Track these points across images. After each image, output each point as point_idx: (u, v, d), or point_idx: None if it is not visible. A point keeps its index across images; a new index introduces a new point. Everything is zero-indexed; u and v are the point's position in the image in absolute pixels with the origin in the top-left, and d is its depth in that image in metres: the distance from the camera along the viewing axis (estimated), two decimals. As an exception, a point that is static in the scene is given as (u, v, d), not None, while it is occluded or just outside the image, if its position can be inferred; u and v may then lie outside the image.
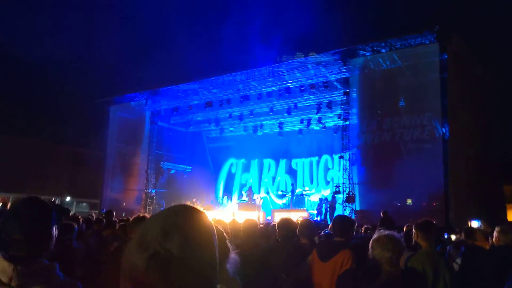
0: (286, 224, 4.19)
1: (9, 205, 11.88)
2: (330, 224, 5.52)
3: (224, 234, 2.13)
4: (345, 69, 16.05)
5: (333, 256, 3.48)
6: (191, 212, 1.02)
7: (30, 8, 26.55)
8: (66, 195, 28.58)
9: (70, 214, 7.27)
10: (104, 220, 6.80)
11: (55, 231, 1.90)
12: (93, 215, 12.64)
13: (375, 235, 2.83)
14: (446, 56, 13.74)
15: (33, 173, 27.78)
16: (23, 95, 27.87)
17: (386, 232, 2.87)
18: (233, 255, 2.07)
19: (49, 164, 29.52)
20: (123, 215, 17.52)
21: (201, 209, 1.06)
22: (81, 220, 6.97)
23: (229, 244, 2.10)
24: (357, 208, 14.74)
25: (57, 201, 17.95)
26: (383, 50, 15.43)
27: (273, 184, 21.93)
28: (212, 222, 1.05)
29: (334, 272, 3.40)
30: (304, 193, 19.54)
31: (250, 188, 20.97)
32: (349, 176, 15.31)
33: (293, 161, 21.55)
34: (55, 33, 26.35)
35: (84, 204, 30.95)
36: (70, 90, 27.19)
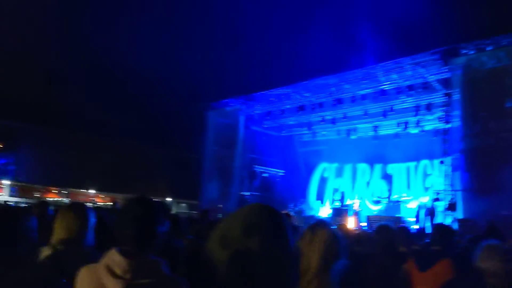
0: (384, 230, 4.07)
1: (117, 204, 12.89)
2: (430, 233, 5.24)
3: (338, 239, 2.11)
4: (446, 69, 15.15)
5: (432, 266, 3.31)
6: (271, 212, 1.04)
7: (131, 19, 28.61)
8: (168, 196, 30.29)
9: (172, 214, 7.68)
10: (204, 219, 7.10)
11: (161, 229, 2.04)
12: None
13: (482, 245, 2.65)
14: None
15: (138, 175, 29.88)
16: (133, 103, 30.10)
17: (494, 242, 2.67)
18: (343, 261, 2.06)
19: (152, 166, 31.58)
20: (220, 216, 18.17)
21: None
22: (181, 220, 7.33)
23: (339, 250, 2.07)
24: (460, 217, 13.81)
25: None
26: (488, 48, 14.31)
27: (367, 189, 21.33)
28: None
29: (434, 283, 3.23)
30: (400, 199, 18.76)
31: (342, 194, 20.61)
32: (450, 182, 14.42)
33: (389, 166, 20.77)
34: (155, 42, 28.09)
35: (184, 205, 32.60)
36: (173, 96, 28.82)
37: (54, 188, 33.58)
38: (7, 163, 32.07)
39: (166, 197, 30.71)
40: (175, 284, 1.89)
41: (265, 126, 22.98)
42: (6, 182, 31.75)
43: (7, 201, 20.95)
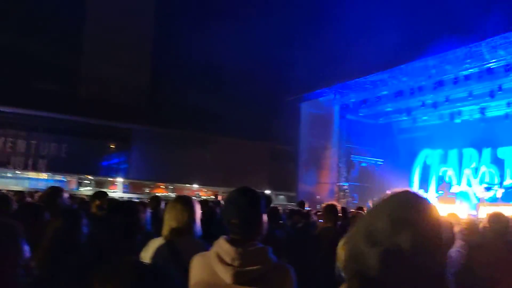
0: (497, 218, 3.82)
1: (219, 197, 13.46)
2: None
3: (454, 230, 2.05)
4: None
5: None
6: (421, 204, 0.96)
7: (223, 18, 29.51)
8: (266, 188, 30.94)
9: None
10: (302, 210, 7.20)
11: (265, 218, 2.13)
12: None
13: None
14: None
15: (238, 169, 30.87)
16: (231, 99, 31.17)
17: None
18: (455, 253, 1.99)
19: (250, 160, 32.43)
20: (317, 207, 18.15)
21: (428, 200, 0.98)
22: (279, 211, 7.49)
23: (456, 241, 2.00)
24: None
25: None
26: None
27: (475, 176, 19.88)
28: (445, 216, 1.00)
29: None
30: (514, 185, 17.25)
31: (444, 181, 19.43)
32: None
33: (499, 150, 19.14)
34: (248, 39, 28.71)
35: (282, 197, 33.03)
36: (268, 90, 29.35)
37: (162, 183, 35.92)
38: (119, 162, 34.98)
39: (265, 190, 31.38)
40: (282, 271, 1.97)
41: (361, 114, 22.42)
42: (119, 179, 34.65)
43: (121, 197, 22.87)
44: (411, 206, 0.95)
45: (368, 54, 19.62)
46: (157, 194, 28.38)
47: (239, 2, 31.13)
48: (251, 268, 1.87)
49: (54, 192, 4.13)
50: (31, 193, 6.33)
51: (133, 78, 33.59)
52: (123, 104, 32.47)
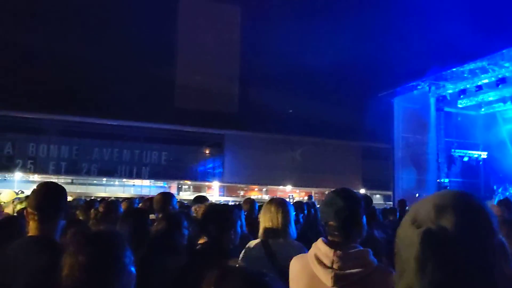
0: None
1: (313, 198, 13.39)
2: None
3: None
4: None
5: None
6: (463, 193, 1.02)
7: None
8: (361, 188, 30.19)
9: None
10: (400, 209, 6.93)
11: (364, 220, 2.08)
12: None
13: None
14: None
15: (330, 169, 30.56)
16: (320, 99, 31.07)
17: None
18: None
19: (342, 159, 31.91)
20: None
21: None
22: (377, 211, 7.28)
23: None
24: None
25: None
26: None
27: None
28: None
29: None
30: None
31: None
32: None
33: None
34: (337, 38, 28.32)
35: (378, 196, 32.04)
36: (358, 87, 28.78)
37: (255, 186, 36.65)
38: (214, 167, 36.32)
39: (359, 189, 30.65)
40: (384, 274, 1.88)
41: (460, 106, 21.01)
42: (215, 183, 35.96)
43: (217, 201, 23.72)
44: (455, 194, 1.00)
45: (463, 42, 18.41)
46: (251, 196, 29.04)
47: (324, 1, 30.88)
48: (351, 271, 1.84)
49: (165, 198, 4.39)
50: (143, 199, 6.79)
51: (224, 86, 34.82)
52: (215, 111, 33.72)
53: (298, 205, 5.69)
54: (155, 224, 3.40)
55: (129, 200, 7.48)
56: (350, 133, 31.20)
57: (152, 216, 3.94)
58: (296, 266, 2.05)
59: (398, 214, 6.77)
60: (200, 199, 5.32)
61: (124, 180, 35.51)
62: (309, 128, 31.60)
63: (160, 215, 3.75)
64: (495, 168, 20.82)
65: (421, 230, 0.92)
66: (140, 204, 6.14)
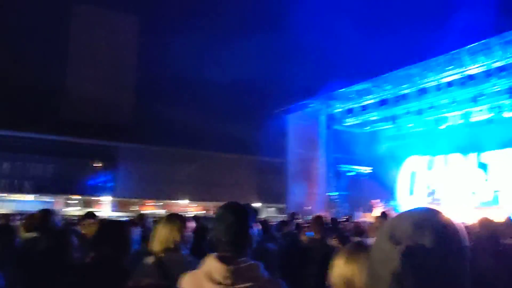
0: (486, 223, 3.85)
1: (210, 212, 13.35)
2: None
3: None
4: (541, 44, 13.91)
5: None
6: (437, 211, 1.05)
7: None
8: (256, 201, 30.83)
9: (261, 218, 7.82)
10: (292, 222, 7.16)
11: (253, 232, 2.09)
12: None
13: None
14: None
15: (227, 183, 30.78)
16: (217, 114, 31.22)
17: None
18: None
19: (238, 173, 32.38)
20: (307, 218, 18.11)
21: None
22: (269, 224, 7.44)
23: None
24: None
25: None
26: None
27: (462, 180, 20.06)
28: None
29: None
30: (499, 189, 17.43)
31: (430, 187, 19.60)
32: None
33: (484, 154, 19.39)
34: (233, 53, 28.84)
35: (272, 209, 32.94)
36: (254, 103, 29.44)
37: (150, 200, 35.62)
38: (106, 181, 34.63)
39: (255, 202, 31.25)
40: (274, 286, 1.93)
41: (347, 124, 22.56)
42: (107, 198, 34.28)
43: (109, 216, 22.58)
44: (430, 212, 1.03)
45: (352, 65, 19.87)
46: (143, 212, 28.13)
47: (221, 18, 31.35)
48: (242, 285, 1.83)
49: (45, 214, 4.10)
50: (23, 215, 6.22)
51: (118, 96, 33.48)
52: (108, 123, 32.27)
53: (195, 220, 5.62)
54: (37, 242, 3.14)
55: (5, 216, 6.81)
56: (246, 147, 31.79)
57: (32, 234, 3.65)
58: (187, 283, 1.99)
59: (293, 226, 6.99)
60: (89, 215, 5.03)
61: (5, 194, 32.31)
62: (206, 142, 31.63)
63: (40, 233, 3.46)
64: (377, 182, 22.61)
65: (402, 247, 0.94)
66: (21, 221, 5.62)
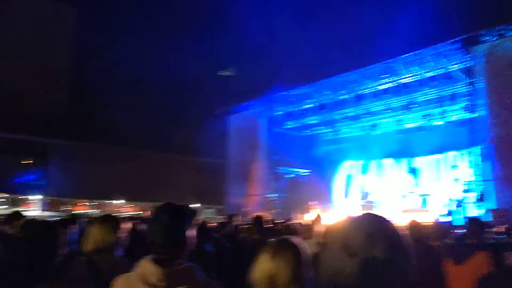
0: (416, 226, 4.02)
1: (147, 212, 13.05)
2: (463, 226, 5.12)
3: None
4: (468, 57, 14.86)
5: (468, 259, 3.23)
6: (384, 219, 1.09)
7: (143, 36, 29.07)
8: (195, 202, 30.53)
9: (200, 220, 7.73)
10: (230, 223, 7.14)
11: (190, 234, 2.04)
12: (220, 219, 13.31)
13: None
14: None
15: (165, 183, 30.25)
16: (156, 112, 30.55)
17: None
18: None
19: (178, 174, 31.93)
20: (245, 219, 18.19)
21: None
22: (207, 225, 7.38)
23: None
24: (493, 207, 13.49)
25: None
26: (510, 34, 13.99)
27: (394, 185, 21.01)
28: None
29: (471, 276, 3.14)
30: (428, 193, 18.44)
31: (364, 190, 20.39)
32: (480, 173, 14.09)
33: (415, 160, 20.44)
34: (175, 50, 28.42)
35: (210, 210, 32.76)
36: (194, 103, 29.10)
37: (84, 200, 34.22)
38: (36, 179, 32.86)
39: (194, 203, 30.93)
40: None
41: (287, 127, 22.95)
42: (37, 197, 32.53)
43: (40, 216, 21.45)
44: (381, 222, 1.07)
45: (293, 68, 20.19)
46: (75, 211, 26.99)
47: (163, 15, 30.78)
48: (178, 288, 1.78)
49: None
50: None
51: (50, 90, 31.88)
52: (39, 118, 30.62)
53: (129, 220, 5.43)
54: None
55: None
56: (186, 148, 31.40)
57: None
58: (120, 285, 1.90)
59: (232, 228, 6.96)
60: (15, 215, 4.72)
61: None
62: (144, 141, 30.88)
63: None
64: (315, 185, 23.17)
65: (358, 259, 0.98)
66: None
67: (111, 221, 2.95)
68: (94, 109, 30.16)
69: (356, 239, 1.00)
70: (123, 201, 33.44)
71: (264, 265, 1.79)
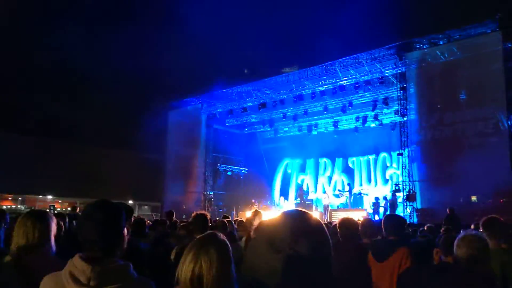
0: (347, 223, 4.14)
1: (78, 209, 12.55)
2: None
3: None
4: (401, 63, 15.62)
5: (389, 256, 3.38)
6: (309, 216, 1.10)
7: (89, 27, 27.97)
8: (129, 198, 29.75)
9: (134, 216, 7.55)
10: (167, 221, 7.03)
11: (126, 232, 1.99)
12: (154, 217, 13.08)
13: (461, 234, 2.72)
14: (510, 45, 13.01)
15: (98, 178, 29.18)
16: (91, 105, 29.36)
17: (473, 231, 2.75)
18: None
19: (113, 169, 30.90)
20: (183, 216, 18.00)
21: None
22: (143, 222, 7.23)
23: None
24: (419, 207, 14.29)
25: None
26: (441, 42, 14.87)
27: (329, 183, 21.68)
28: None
29: (392, 272, 3.30)
30: (362, 192, 19.19)
31: (301, 188, 20.84)
32: (409, 173, 14.86)
33: (350, 160, 21.21)
34: (113, 43, 27.49)
35: (146, 207, 32.09)
36: (132, 97, 28.25)
37: (9, 195, 32.33)
38: (-43, 171, 30.58)
39: (128, 200, 30.13)
40: (143, 286, 1.86)
41: (228, 124, 22.97)
42: (-43, 191, 30.28)
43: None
44: (305, 220, 1.07)
45: (234, 67, 20.22)
46: (2, 207, 25.46)
47: (103, 7, 29.66)
48: (109, 287, 1.74)
49: None
50: None
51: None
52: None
53: (60, 216, 5.22)
54: None
55: None
56: (123, 142, 30.47)
57: None
58: (49, 285, 1.82)
59: (173, 226, 6.84)
60: None
61: None
62: (78, 135, 29.61)
63: None
64: (253, 183, 23.40)
65: (283, 256, 0.98)
66: None
67: (39, 217, 2.80)
68: (26, 100, 28.53)
69: (281, 235, 1.01)
70: (52, 196, 31.97)
71: (188, 263, 1.72)
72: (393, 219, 3.75)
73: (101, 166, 30.46)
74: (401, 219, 3.90)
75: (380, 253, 3.45)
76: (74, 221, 5.45)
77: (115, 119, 29.00)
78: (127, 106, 28.36)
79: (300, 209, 1.15)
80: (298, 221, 1.06)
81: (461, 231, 2.71)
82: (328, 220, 14.96)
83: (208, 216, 4.55)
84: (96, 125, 29.06)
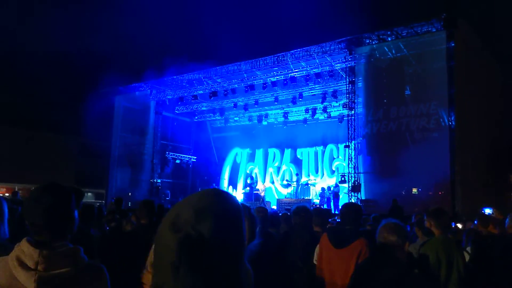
0: (302, 212, 4.20)
1: (18, 194, 11.96)
2: (339, 212, 5.46)
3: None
4: (350, 57, 15.96)
5: (349, 244, 3.47)
6: (222, 195, 1.02)
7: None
8: (72, 185, 28.75)
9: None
10: (114, 207, 6.86)
11: (76, 215, 1.92)
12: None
13: (382, 223, 2.83)
14: (453, 44, 13.64)
15: (40, 164, 27.97)
16: (28, 87, 27.90)
17: (393, 220, 2.86)
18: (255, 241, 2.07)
19: (55, 155, 29.69)
20: (129, 204, 17.62)
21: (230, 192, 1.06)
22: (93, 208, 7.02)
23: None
24: (363, 198, 14.77)
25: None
26: (389, 39, 15.33)
27: (278, 173, 21.94)
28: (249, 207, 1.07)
29: (351, 260, 3.38)
30: (309, 182, 19.57)
31: (251, 178, 21.02)
32: (354, 165, 15.30)
33: (298, 151, 21.54)
34: (58, 25, 26.25)
35: (90, 194, 31.12)
36: (76, 81, 27.12)
37: None
38: None
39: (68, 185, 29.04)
40: (94, 272, 1.80)
41: (177, 111, 22.62)
42: None
43: None
44: (213, 197, 1.01)
45: (186, 53, 19.89)
46: None
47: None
48: (58, 271, 1.66)
49: None
50: None
51: None
52: None
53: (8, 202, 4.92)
54: None
55: None
56: (66, 127, 29.27)
57: None
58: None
59: (117, 214, 6.68)
60: None
61: None
62: (15, 119, 28.14)
63: None
64: (202, 171, 23.27)
65: (179, 236, 0.91)
66: None
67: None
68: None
69: (185, 216, 0.95)
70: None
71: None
72: (350, 209, 3.81)
73: (43, 152, 29.21)
74: (359, 209, 3.98)
75: (339, 240, 3.52)
76: (18, 207, 5.17)
77: (58, 102, 27.75)
78: (71, 88, 27.20)
79: (219, 188, 1.09)
80: (205, 200, 1.00)
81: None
82: (274, 210, 15.15)
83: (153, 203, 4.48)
84: (37, 109, 27.71)
